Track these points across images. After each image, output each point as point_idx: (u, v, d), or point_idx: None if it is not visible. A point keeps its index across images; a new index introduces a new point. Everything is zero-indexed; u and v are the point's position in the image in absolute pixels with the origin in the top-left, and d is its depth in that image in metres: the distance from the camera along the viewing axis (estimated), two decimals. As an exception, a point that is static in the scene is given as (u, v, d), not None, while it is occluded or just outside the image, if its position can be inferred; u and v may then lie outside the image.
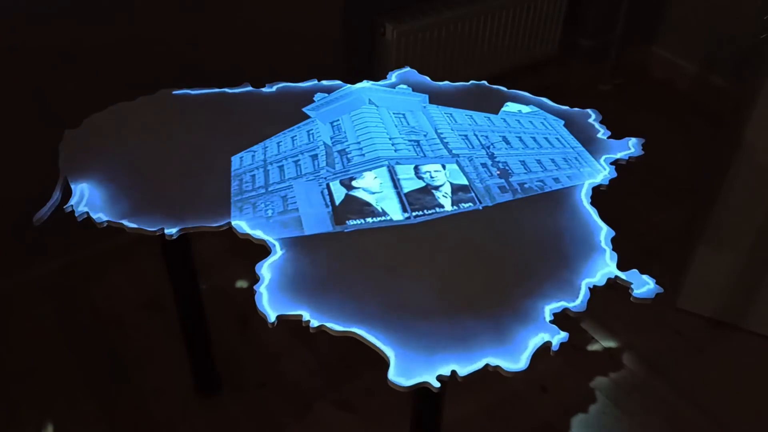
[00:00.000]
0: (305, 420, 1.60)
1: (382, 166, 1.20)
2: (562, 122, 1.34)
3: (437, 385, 0.86)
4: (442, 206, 1.12)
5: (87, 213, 1.08)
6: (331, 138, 1.26)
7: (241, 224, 1.07)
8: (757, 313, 1.77)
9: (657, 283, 1.01)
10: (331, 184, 1.16)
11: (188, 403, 1.62)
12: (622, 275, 1.01)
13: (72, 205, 1.10)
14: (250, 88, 1.38)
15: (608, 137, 1.30)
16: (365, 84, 1.40)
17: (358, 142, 1.25)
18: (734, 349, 1.78)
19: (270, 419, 1.59)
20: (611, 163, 1.23)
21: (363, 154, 1.22)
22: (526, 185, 1.17)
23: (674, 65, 2.72)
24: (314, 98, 1.36)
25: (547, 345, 0.91)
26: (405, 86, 1.41)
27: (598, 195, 1.18)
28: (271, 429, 1.58)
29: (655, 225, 2.13)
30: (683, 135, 2.49)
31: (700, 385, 1.68)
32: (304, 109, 1.33)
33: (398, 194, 1.14)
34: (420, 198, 1.13)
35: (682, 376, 1.70)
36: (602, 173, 1.21)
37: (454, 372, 0.87)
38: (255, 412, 1.61)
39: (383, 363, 0.89)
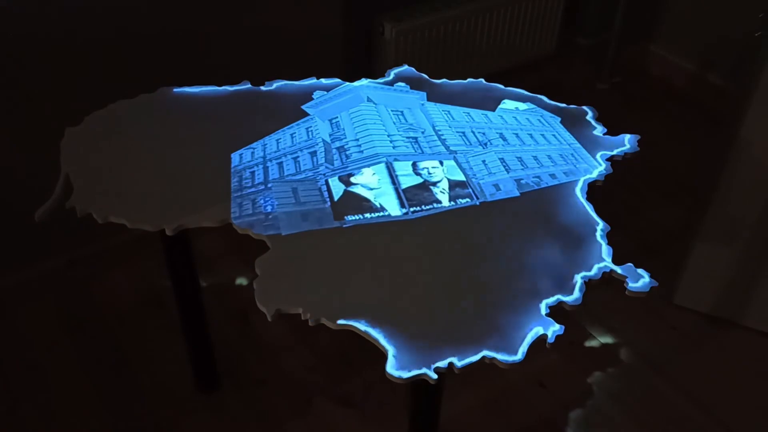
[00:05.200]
0: (305, 416, 1.61)
1: (380, 162, 1.21)
2: (559, 119, 1.35)
3: (434, 376, 0.87)
4: (439, 202, 1.13)
5: (88, 210, 1.09)
6: (330, 135, 1.27)
7: (241, 220, 1.08)
8: (754, 309, 1.78)
9: (655, 279, 1.02)
10: (329, 180, 1.17)
11: (189, 400, 1.63)
12: (617, 269, 1.02)
13: (73, 203, 1.11)
14: (249, 86, 1.39)
15: (605, 134, 1.32)
16: (364, 82, 1.41)
17: (357, 139, 1.26)
18: (731, 345, 1.79)
19: (270, 415, 1.60)
20: (607, 159, 1.25)
21: (361, 151, 1.23)
22: (522, 181, 1.18)
23: (672, 63, 2.73)
24: (313, 96, 1.37)
25: (542, 337, 0.92)
26: (403, 84, 1.42)
27: (596, 191, 1.19)
28: (271, 425, 1.59)
29: (652, 221, 2.14)
30: (681, 133, 2.50)
31: (697, 380, 1.69)
32: (303, 107, 1.34)
33: (396, 190, 1.15)
34: (418, 194, 1.14)
35: (679, 372, 1.71)
36: (598, 169, 1.22)
37: (451, 364, 0.88)
38: (255, 408, 1.62)
39: (382, 358, 0.90)
